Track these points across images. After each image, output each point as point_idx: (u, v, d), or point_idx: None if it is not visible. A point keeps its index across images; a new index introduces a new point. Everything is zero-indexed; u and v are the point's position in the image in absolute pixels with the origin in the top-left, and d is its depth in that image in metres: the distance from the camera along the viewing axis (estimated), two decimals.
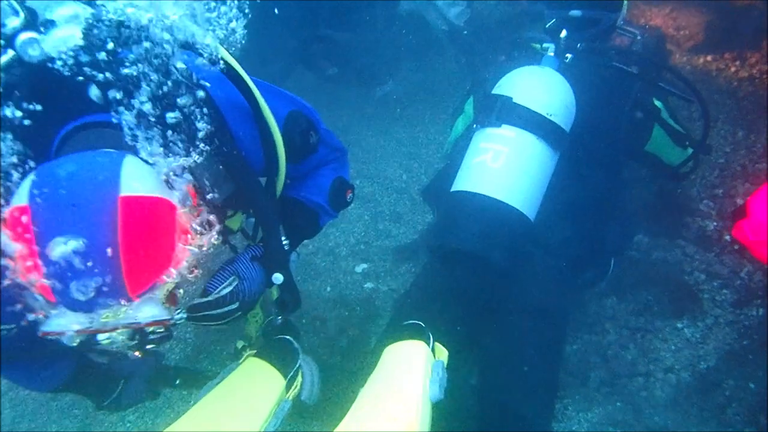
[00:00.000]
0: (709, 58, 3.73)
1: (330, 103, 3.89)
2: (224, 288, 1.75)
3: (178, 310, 1.47)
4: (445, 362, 1.93)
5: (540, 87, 2.34)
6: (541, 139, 2.27)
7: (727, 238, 3.11)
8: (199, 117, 1.56)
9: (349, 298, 3.19)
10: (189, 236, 1.41)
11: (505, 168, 2.25)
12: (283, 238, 1.88)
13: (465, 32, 3.49)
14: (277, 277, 1.84)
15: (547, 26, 2.60)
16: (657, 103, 2.56)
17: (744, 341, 2.65)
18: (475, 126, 2.40)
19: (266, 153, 1.77)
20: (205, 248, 1.46)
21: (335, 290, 3.26)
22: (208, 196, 1.63)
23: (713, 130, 3.36)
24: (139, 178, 1.31)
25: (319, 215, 2.11)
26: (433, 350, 1.98)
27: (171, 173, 1.44)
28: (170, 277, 1.34)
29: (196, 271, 1.42)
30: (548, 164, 2.32)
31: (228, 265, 1.82)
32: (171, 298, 1.38)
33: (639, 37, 2.69)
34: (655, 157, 2.64)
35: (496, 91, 2.39)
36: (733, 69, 3.70)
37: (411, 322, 2.08)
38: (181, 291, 1.43)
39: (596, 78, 2.48)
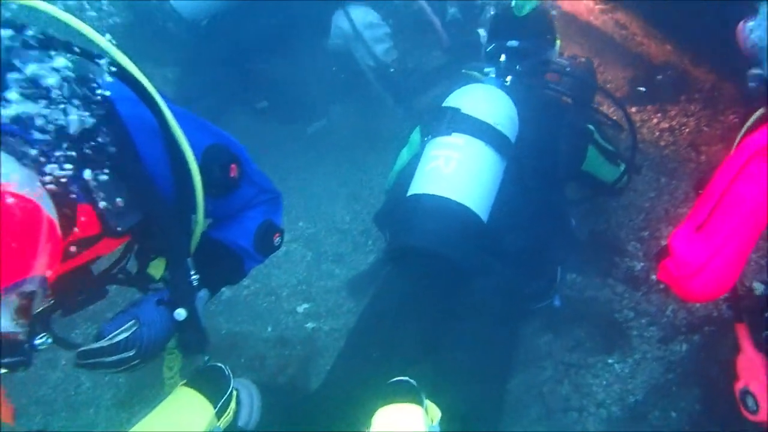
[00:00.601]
0: (633, 109, 4.01)
1: (266, 140, 3.94)
2: (120, 333, 1.65)
3: (42, 336, 1.43)
4: (438, 421, 1.94)
5: (486, 100, 2.56)
6: (489, 145, 2.46)
7: (653, 278, 3.30)
8: (98, 130, 1.48)
9: (289, 337, 3.21)
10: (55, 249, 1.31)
11: (456, 170, 2.42)
12: (192, 273, 1.79)
13: (392, 70, 3.60)
14: (180, 314, 1.73)
15: (487, 50, 2.88)
16: (589, 126, 2.83)
17: (669, 375, 2.80)
18: (425, 138, 2.57)
19: (178, 180, 1.69)
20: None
21: (276, 330, 3.28)
22: (109, 221, 1.54)
23: (639, 176, 3.59)
24: (15, 177, 1.25)
25: (244, 260, 2.03)
26: (426, 410, 1.95)
27: (53, 184, 1.35)
28: (28, 285, 1.24)
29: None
30: (496, 170, 2.49)
31: (130, 307, 1.74)
32: (23, 311, 1.28)
33: (568, 69, 3.02)
34: (591, 176, 2.89)
35: (445, 104, 2.60)
36: (655, 120, 3.99)
37: (402, 379, 2.03)
38: (35, 305, 1.31)
39: (535, 100, 2.72)
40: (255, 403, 2.13)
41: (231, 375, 2.05)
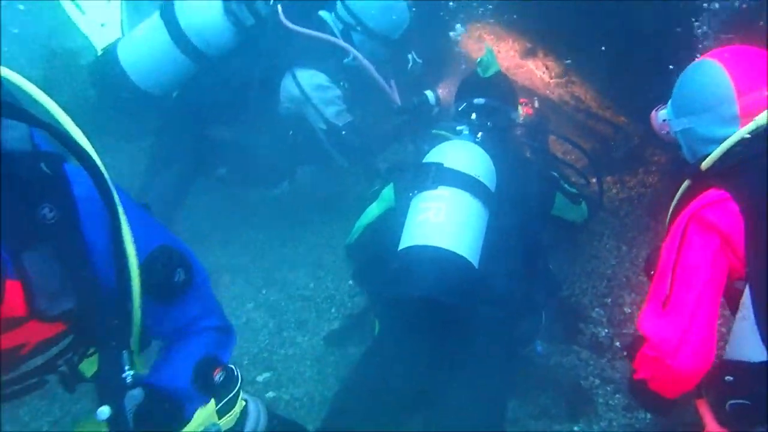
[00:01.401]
0: (593, 180, 4.15)
1: (228, 207, 3.97)
2: None
3: None
4: None
5: (466, 154, 2.73)
6: (474, 196, 2.61)
7: (618, 344, 3.34)
8: (42, 203, 1.39)
9: None
10: None
11: (447, 221, 2.54)
12: (127, 368, 1.64)
13: (344, 132, 3.65)
14: (103, 411, 1.59)
15: (459, 109, 3.09)
16: (554, 173, 3.06)
17: None
18: (411, 194, 2.70)
19: (119, 272, 1.58)
20: None
21: None
22: (38, 302, 1.41)
23: (601, 244, 3.70)
24: None
25: (184, 403, 1.85)
26: None
27: None
28: None
29: None
30: (482, 219, 2.63)
31: None
32: None
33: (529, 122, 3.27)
34: (561, 219, 3.10)
35: (426, 160, 2.75)
36: (614, 191, 4.14)
37: None
38: None
39: (505, 153, 2.92)
40: (262, 417, 2.09)
41: (240, 377, 2.02)
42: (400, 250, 2.59)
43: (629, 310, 3.47)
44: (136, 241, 1.60)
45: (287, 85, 3.63)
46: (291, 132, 3.78)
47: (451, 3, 3.74)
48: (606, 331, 3.38)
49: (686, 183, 2.02)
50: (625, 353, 1.92)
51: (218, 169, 3.92)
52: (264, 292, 3.90)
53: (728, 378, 1.77)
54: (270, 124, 3.71)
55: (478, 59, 3.19)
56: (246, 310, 3.78)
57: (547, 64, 4.21)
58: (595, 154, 4.18)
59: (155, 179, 3.85)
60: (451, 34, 3.89)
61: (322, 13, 3.75)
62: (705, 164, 1.94)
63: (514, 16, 3.87)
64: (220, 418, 1.94)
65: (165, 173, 3.84)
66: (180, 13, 3.49)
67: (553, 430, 2.96)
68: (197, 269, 1.84)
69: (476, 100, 3.07)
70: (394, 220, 2.78)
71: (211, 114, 3.68)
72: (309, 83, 3.61)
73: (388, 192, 2.98)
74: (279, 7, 3.53)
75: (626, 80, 3.60)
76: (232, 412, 1.98)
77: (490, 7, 3.60)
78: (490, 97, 3.09)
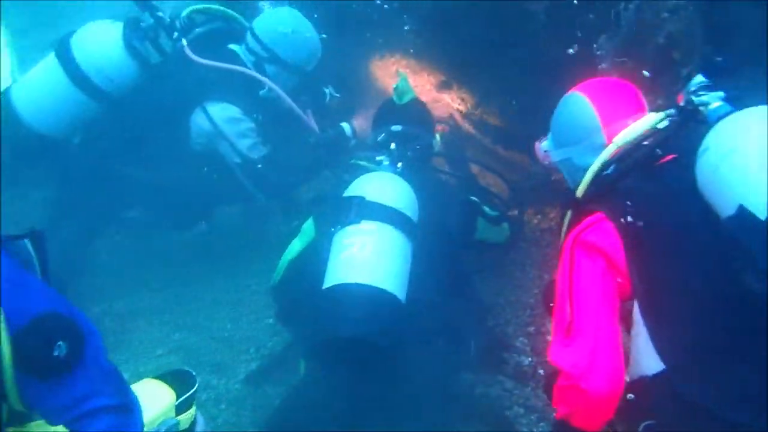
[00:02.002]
0: (515, 212, 4.20)
1: (143, 251, 3.82)
2: None
3: None
4: None
5: (386, 186, 2.71)
6: (398, 229, 2.58)
7: (541, 372, 3.33)
8: None
9: None
10: None
11: (372, 256, 2.50)
12: None
13: (259, 166, 3.59)
14: None
15: (378, 140, 3.08)
16: (473, 198, 3.11)
17: None
18: (333, 229, 2.64)
19: None
20: None
21: None
22: None
23: (524, 273, 3.74)
24: None
25: None
26: None
27: None
28: None
29: None
30: (407, 251, 2.61)
31: None
32: None
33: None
34: (485, 242, 3.13)
35: (347, 195, 2.70)
36: (535, 221, 4.21)
37: None
38: None
39: (426, 182, 2.92)
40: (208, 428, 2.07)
41: (197, 378, 2.03)
42: (326, 288, 2.52)
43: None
44: (10, 309, 1.45)
45: (198, 120, 3.55)
46: (205, 169, 3.68)
47: (368, 33, 3.77)
48: (529, 359, 3.38)
49: (569, 213, 2.09)
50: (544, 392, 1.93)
51: (130, 212, 3.81)
52: (177, 336, 3.77)
53: (630, 396, 1.80)
54: (182, 161, 3.61)
55: (394, 86, 3.23)
56: (157, 355, 3.63)
57: (463, 96, 4.30)
58: (515, 185, 4.26)
59: (61, 226, 3.65)
60: (367, 65, 3.92)
61: (233, 46, 3.71)
62: (579, 192, 2.04)
63: (430, 49, 3.95)
64: (177, 415, 1.90)
65: (71, 220, 3.66)
66: (77, 50, 3.37)
67: None
68: (89, 340, 1.64)
69: (393, 127, 3.09)
70: (316, 255, 2.72)
71: (120, 154, 3.57)
72: (221, 116, 3.53)
73: (308, 226, 2.94)
74: (184, 41, 3.47)
75: (538, 108, 3.70)
76: (191, 409, 1.96)
77: (407, 37, 3.66)
78: (406, 124, 3.11)
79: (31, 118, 3.39)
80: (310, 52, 3.71)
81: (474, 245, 3.14)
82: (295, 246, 2.98)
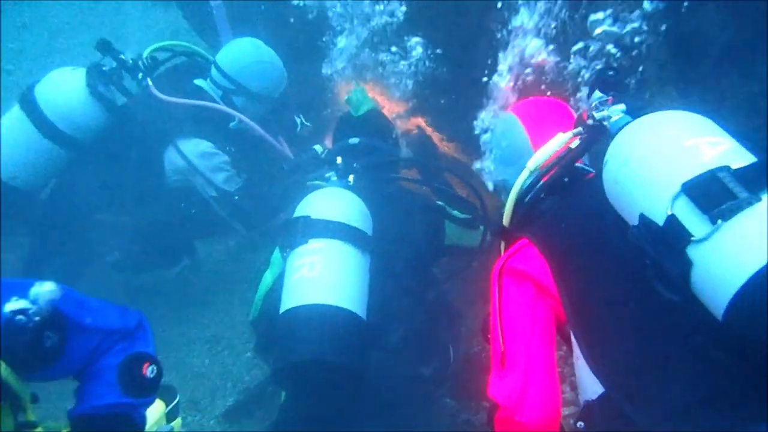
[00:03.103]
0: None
1: (120, 294, 3.79)
2: None
3: None
4: None
5: (332, 200, 2.69)
6: (347, 242, 2.54)
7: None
8: None
9: None
10: None
11: (322, 274, 2.46)
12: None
13: (236, 197, 3.60)
14: None
15: (322, 156, 3.09)
16: (439, 202, 3.05)
17: None
18: (284, 254, 2.63)
19: None
20: None
21: None
22: None
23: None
24: None
25: (129, 415, 1.80)
26: None
27: None
28: None
29: None
30: (362, 264, 2.57)
31: None
32: None
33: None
34: (456, 247, 3.05)
35: (295, 216, 2.69)
36: None
37: None
38: None
39: (382, 191, 2.91)
40: None
41: (176, 390, 2.13)
42: (281, 314, 2.50)
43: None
44: None
45: (171, 157, 3.58)
46: (182, 205, 3.69)
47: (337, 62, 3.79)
48: None
49: (502, 242, 2.09)
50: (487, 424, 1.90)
51: (109, 256, 3.81)
52: None
53: (579, 424, 1.76)
54: (158, 200, 3.63)
55: (346, 98, 3.23)
56: None
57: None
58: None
59: (39, 274, 3.61)
60: (331, 86, 3.93)
61: (198, 81, 3.76)
62: (505, 219, 2.05)
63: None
64: (167, 421, 2.00)
65: (48, 268, 3.64)
66: (42, 99, 3.41)
67: None
68: (72, 310, 1.70)
69: (351, 140, 3.08)
70: (281, 283, 2.70)
71: (94, 200, 3.58)
72: (193, 152, 3.57)
73: (276, 256, 2.94)
74: (149, 81, 3.51)
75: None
76: (178, 418, 2.02)
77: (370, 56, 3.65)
78: (364, 136, 3.10)
79: (2, 170, 3.39)
80: (275, 79, 3.77)
81: (446, 251, 3.08)
82: (267, 278, 2.97)
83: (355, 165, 2.93)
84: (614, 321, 1.67)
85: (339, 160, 2.94)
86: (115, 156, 3.56)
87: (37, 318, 1.56)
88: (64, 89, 3.46)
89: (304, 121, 3.95)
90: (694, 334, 1.50)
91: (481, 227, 3.14)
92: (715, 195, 1.37)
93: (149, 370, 1.83)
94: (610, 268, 1.71)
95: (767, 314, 1.25)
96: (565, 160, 1.95)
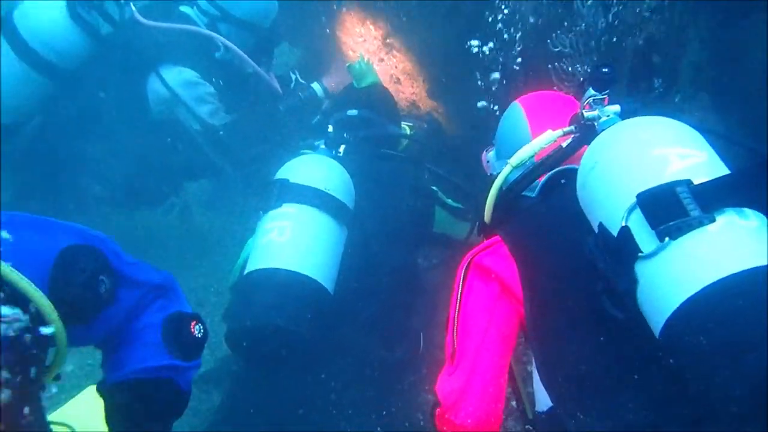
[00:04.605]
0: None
1: (106, 232, 3.70)
2: None
3: None
4: None
5: (314, 167, 2.67)
6: (323, 211, 2.51)
7: (514, 404, 3.13)
8: None
9: None
10: None
11: (291, 239, 2.45)
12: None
13: (221, 132, 3.51)
14: None
15: (313, 122, 3.05)
16: (433, 187, 3.02)
17: None
18: (261, 213, 2.62)
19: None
20: None
21: None
22: None
23: None
24: None
25: (173, 379, 1.65)
26: None
27: None
28: None
29: None
30: (335, 235, 2.55)
31: None
32: None
33: (426, 125, 3.35)
34: (445, 236, 3.02)
35: (275, 178, 2.68)
36: None
37: None
38: None
39: (372, 167, 2.87)
40: None
41: None
42: (243, 276, 2.51)
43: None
44: (28, 257, 1.35)
45: (153, 86, 3.51)
46: (169, 139, 3.63)
47: None
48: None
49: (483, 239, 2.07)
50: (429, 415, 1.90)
51: (92, 188, 3.74)
52: None
53: (528, 427, 1.81)
54: (144, 133, 3.56)
55: (348, 65, 3.21)
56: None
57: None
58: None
59: (21, 208, 3.53)
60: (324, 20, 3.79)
61: (183, 8, 3.69)
62: (486, 215, 2.01)
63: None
64: None
65: (31, 201, 3.56)
66: (22, 26, 3.33)
67: None
68: (117, 257, 1.61)
69: (349, 112, 3.05)
70: None
71: (79, 130, 3.54)
72: (176, 80, 3.50)
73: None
74: (132, 5, 3.44)
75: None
76: None
77: None
78: (363, 108, 3.06)
79: None
80: (264, 6, 3.66)
81: (432, 239, 3.07)
82: (249, 245, 2.93)
83: (346, 136, 2.91)
84: (565, 334, 1.65)
85: (330, 128, 2.91)
86: (99, 86, 3.50)
87: (93, 262, 1.49)
88: (45, 15, 3.36)
89: (299, 78, 3.84)
90: (638, 354, 1.47)
91: (471, 218, 3.10)
92: (667, 210, 1.34)
93: (197, 329, 1.71)
94: (568, 278, 1.68)
95: (698, 339, 1.23)
96: (552, 160, 1.90)
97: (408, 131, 3.30)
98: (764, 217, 1.35)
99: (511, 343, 1.83)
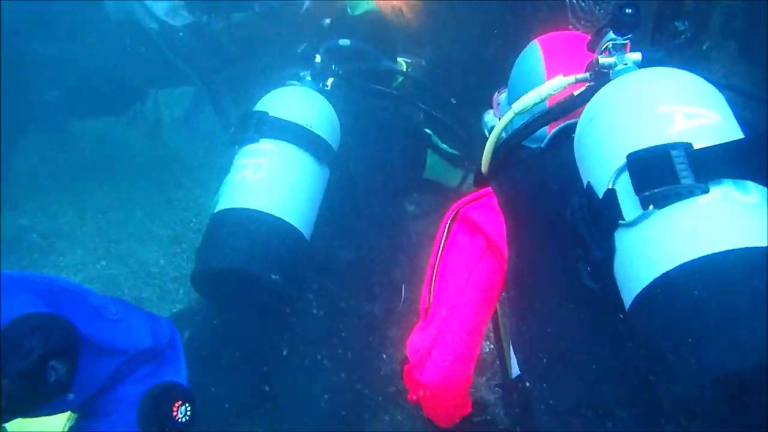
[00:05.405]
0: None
1: (66, 146, 3.59)
2: None
3: None
4: None
5: (296, 100, 2.51)
6: (303, 149, 2.37)
7: (498, 362, 3.03)
8: None
9: None
10: None
11: (266, 179, 2.31)
12: None
13: (181, 34, 3.29)
14: None
15: (299, 51, 2.81)
16: (427, 129, 2.87)
17: None
18: (236, 148, 2.49)
19: None
20: None
21: None
22: None
23: None
24: None
25: None
26: None
27: None
28: None
29: None
30: (316, 177, 2.42)
31: None
32: None
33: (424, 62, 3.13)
34: (437, 183, 2.90)
35: (254, 110, 2.54)
36: None
37: None
38: None
39: (361, 104, 2.71)
40: None
41: None
42: (213, 215, 2.38)
43: None
44: None
45: None
46: (128, 41, 3.41)
47: None
48: (492, 346, 3.02)
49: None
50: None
51: (47, 93, 3.51)
52: (103, 263, 3.65)
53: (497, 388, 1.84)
54: (99, 33, 3.35)
55: None
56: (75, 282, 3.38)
57: None
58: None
59: None
60: None
61: None
62: (483, 165, 1.88)
63: None
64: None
65: None
66: None
67: None
68: (92, 319, 1.34)
69: (341, 41, 2.84)
70: None
71: (32, 31, 3.30)
72: None
73: None
74: None
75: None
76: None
77: None
78: (356, 39, 2.86)
79: None
80: None
81: (423, 186, 2.95)
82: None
83: (335, 68, 2.72)
84: (539, 300, 1.58)
85: (318, 58, 2.71)
86: None
87: (42, 344, 1.21)
88: None
89: None
90: (608, 329, 1.38)
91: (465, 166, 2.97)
92: (657, 175, 1.23)
93: (180, 411, 1.45)
94: (551, 240, 1.58)
95: (663, 320, 1.15)
96: (559, 109, 1.73)
97: (404, 68, 3.11)
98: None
99: (492, 302, 1.76)
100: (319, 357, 2.40)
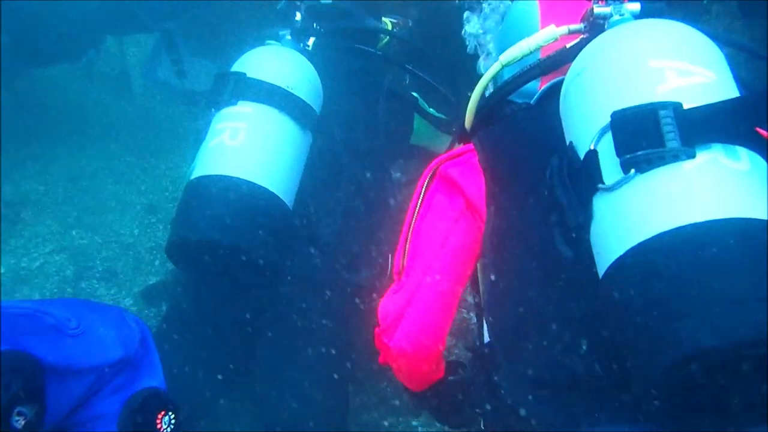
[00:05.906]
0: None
1: (29, 105, 3.45)
2: None
3: None
4: None
5: (275, 61, 2.43)
6: (284, 112, 2.30)
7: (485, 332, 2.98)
8: None
9: None
10: None
11: (244, 144, 2.24)
12: None
13: None
14: None
15: (278, 8, 2.71)
16: (414, 93, 2.78)
17: None
18: (212, 111, 2.40)
19: None
20: None
21: None
22: None
23: None
24: None
25: None
26: None
27: None
28: None
29: None
30: (297, 141, 2.34)
31: None
32: None
33: (410, 23, 3.00)
34: (424, 149, 2.82)
35: (231, 70, 2.46)
36: None
37: None
38: None
39: (344, 66, 2.62)
40: None
41: None
42: (189, 182, 2.30)
43: None
44: None
45: None
46: None
47: None
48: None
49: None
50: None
51: None
52: (74, 233, 3.54)
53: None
54: None
55: None
56: (43, 252, 3.41)
57: None
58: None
59: None
60: None
61: None
62: (467, 121, 1.80)
63: None
64: None
65: None
66: None
67: (390, 423, 2.71)
68: (53, 344, 1.23)
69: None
70: None
71: None
72: None
73: None
74: None
75: None
76: None
77: None
78: None
79: None
80: None
81: (409, 152, 2.85)
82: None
83: (316, 26, 2.62)
84: (513, 265, 1.50)
85: (299, 16, 2.60)
86: None
87: (4, 392, 1.11)
88: None
89: None
90: (582, 300, 1.32)
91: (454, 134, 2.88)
92: (641, 137, 1.15)
93: (164, 422, 1.38)
94: (529, 202, 1.50)
95: (636, 292, 1.09)
96: (550, 61, 1.64)
97: (390, 27, 2.99)
98: (761, 159, 1.14)
99: (469, 266, 1.69)
100: (301, 327, 2.34)
